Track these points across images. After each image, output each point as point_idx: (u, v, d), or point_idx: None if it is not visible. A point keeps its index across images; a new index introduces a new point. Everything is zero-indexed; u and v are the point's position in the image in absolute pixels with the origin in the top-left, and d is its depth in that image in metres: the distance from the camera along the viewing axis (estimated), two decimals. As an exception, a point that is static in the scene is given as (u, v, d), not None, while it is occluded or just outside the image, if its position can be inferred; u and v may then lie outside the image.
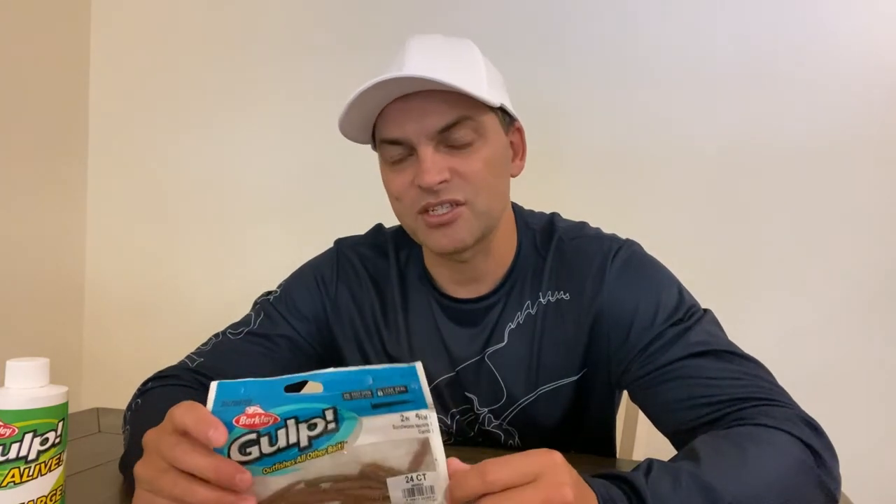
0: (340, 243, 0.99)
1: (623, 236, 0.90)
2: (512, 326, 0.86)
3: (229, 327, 0.91)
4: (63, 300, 1.86)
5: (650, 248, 0.89)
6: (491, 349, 0.86)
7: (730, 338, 0.79)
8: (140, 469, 0.50)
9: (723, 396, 0.71)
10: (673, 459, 0.61)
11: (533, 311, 0.86)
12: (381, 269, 0.94)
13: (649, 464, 0.57)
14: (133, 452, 0.68)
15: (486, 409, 0.87)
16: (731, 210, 1.52)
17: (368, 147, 0.83)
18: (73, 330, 1.89)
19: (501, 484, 0.45)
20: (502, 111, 0.82)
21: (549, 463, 0.47)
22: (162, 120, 1.88)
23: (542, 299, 0.86)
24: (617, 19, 1.58)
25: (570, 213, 0.98)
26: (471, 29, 1.64)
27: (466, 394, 0.87)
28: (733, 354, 0.75)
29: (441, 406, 0.89)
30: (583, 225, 0.92)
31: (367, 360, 0.91)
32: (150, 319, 1.86)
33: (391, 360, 0.90)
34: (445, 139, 0.76)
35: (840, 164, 1.47)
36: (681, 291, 0.82)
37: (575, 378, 0.85)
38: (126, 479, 0.70)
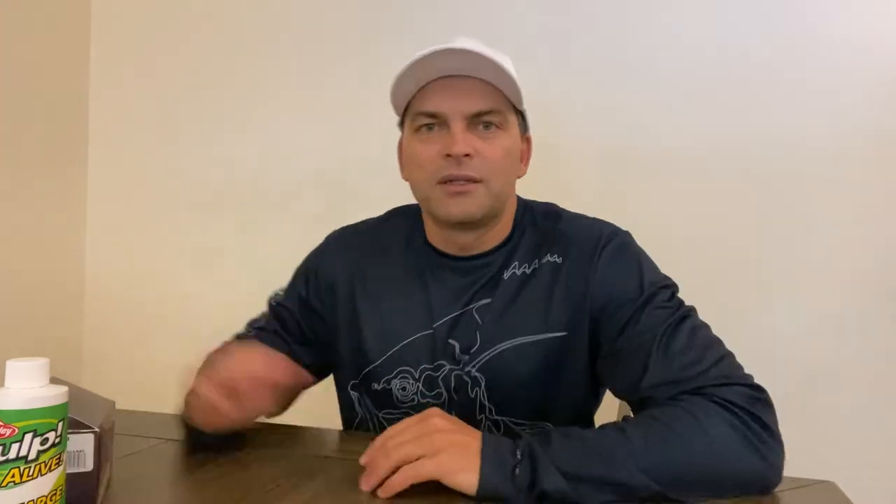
0: (329, 235, 1.07)
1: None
2: (504, 278, 0.91)
3: (247, 325, 1.02)
4: (63, 300, 1.86)
5: (649, 246, 0.93)
6: (479, 303, 0.91)
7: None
8: None
9: (672, 377, 0.76)
10: None
11: (518, 272, 0.91)
12: (371, 244, 1.00)
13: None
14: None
15: (465, 356, 0.90)
16: (731, 209, 1.52)
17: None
18: (73, 330, 1.89)
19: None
20: (522, 117, 0.94)
21: (426, 414, 0.71)
22: (162, 119, 1.88)
23: (534, 260, 0.92)
24: (619, 19, 1.58)
25: (569, 208, 1.00)
26: (471, 25, 1.64)
27: (450, 341, 0.90)
28: (701, 340, 0.80)
29: (412, 362, 0.91)
30: (582, 214, 0.99)
31: (359, 336, 0.95)
32: (151, 319, 1.86)
33: (370, 329, 0.94)
34: (475, 122, 0.86)
35: (841, 162, 1.47)
36: (666, 281, 0.88)
37: (549, 336, 0.88)
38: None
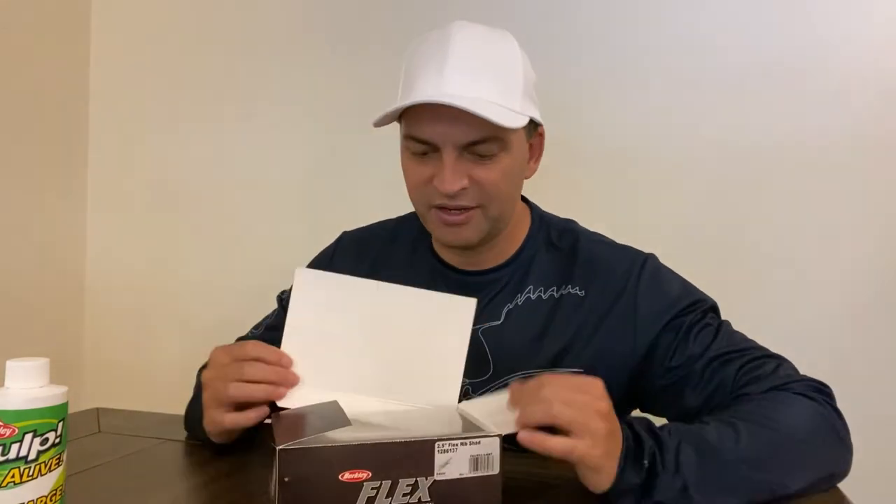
0: (343, 234, 1.03)
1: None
2: (510, 307, 0.87)
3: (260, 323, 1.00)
4: (63, 300, 1.85)
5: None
6: (486, 325, 0.86)
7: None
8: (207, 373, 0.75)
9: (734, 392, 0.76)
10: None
11: (533, 297, 0.87)
12: (382, 250, 0.96)
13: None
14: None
15: (467, 381, 0.86)
16: (737, 208, 1.52)
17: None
18: (73, 330, 1.88)
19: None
20: (530, 120, 0.82)
21: (591, 383, 0.63)
22: (163, 119, 1.88)
23: (550, 290, 0.87)
24: (625, 19, 1.58)
25: (580, 208, 0.99)
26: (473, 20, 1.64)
27: None
28: (751, 351, 0.81)
29: None
30: (600, 236, 0.93)
31: None
32: (151, 319, 1.86)
33: None
34: (470, 149, 0.78)
35: (841, 162, 1.47)
36: (706, 297, 0.87)
37: (563, 371, 0.84)
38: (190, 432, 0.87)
